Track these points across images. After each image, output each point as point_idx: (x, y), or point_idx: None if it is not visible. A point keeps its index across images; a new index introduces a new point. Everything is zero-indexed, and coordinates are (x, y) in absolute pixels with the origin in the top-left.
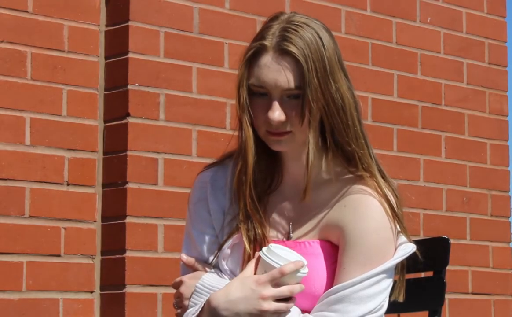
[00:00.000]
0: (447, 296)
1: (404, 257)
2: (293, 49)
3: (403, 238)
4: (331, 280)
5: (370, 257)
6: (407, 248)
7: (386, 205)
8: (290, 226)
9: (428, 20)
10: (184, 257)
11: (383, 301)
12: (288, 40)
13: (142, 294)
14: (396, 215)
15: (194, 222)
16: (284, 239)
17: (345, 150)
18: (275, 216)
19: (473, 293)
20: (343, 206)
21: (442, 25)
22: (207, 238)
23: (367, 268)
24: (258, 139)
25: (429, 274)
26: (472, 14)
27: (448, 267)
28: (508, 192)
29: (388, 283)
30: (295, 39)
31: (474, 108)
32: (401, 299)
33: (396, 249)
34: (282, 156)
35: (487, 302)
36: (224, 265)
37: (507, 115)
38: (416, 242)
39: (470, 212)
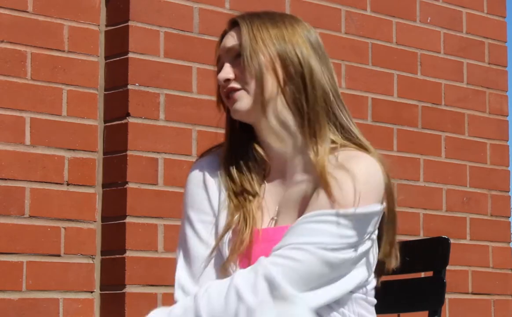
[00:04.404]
0: (447, 296)
1: (366, 211)
2: (239, 17)
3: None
4: None
5: (339, 197)
6: (374, 207)
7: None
8: (277, 211)
9: (428, 20)
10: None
11: (344, 247)
12: (241, 14)
13: (142, 294)
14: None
15: (192, 204)
16: (271, 225)
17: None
18: (265, 201)
19: (473, 293)
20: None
21: (442, 25)
22: (207, 220)
23: (328, 207)
24: (243, 132)
25: (429, 274)
26: (472, 14)
27: (448, 267)
28: (508, 192)
29: (351, 233)
30: (247, 13)
31: (474, 108)
32: (393, 264)
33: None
34: (263, 141)
35: (487, 302)
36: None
37: (507, 115)
38: (416, 242)
39: (470, 212)
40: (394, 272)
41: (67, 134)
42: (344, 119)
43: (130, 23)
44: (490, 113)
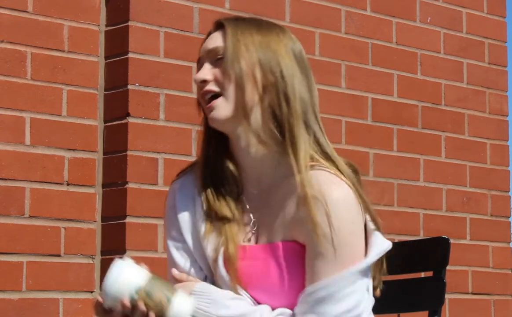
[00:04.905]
0: (447, 296)
1: (379, 255)
2: (225, 19)
3: (378, 236)
4: (300, 280)
5: (339, 251)
6: (383, 246)
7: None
8: (255, 229)
9: (428, 20)
10: (175, 272)
11: (361, 299)
12: (227, 17)
13: None
14: None
15: (168, 232)
16: (250, 244)
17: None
18: (243, 215)
19: (473, 293)
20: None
21: (442, 25)
22: (180, 246)
23: (338, 264)
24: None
25: (429, 274)
26: (472, 14)
27: (448, 267)
28: (508, 192)
29: (364, 282)
30: (234, 17)
31: (474, 108)
32: (376, 294)
33: (368, 245)
34: (240, 150)
35: (487, 302)
36: (224, 275)
37: (507, 115)
38: (416, 242)
39: (470, 212)
40: (394, 272)
41: (67, 134)
42: (321, 134)
43: (130, 23)
44: (490, 113)
